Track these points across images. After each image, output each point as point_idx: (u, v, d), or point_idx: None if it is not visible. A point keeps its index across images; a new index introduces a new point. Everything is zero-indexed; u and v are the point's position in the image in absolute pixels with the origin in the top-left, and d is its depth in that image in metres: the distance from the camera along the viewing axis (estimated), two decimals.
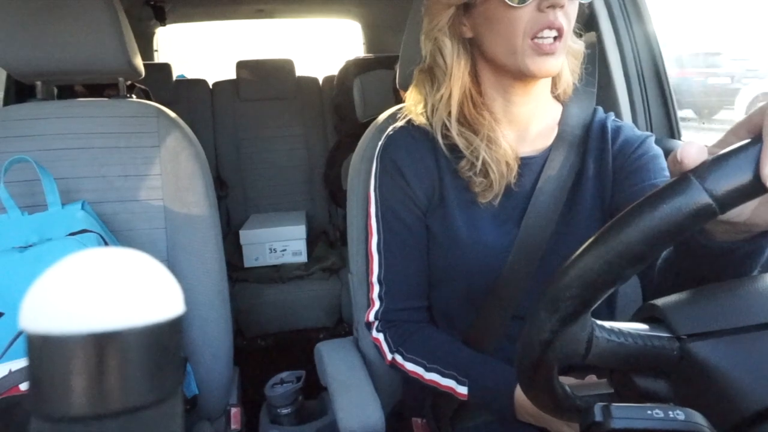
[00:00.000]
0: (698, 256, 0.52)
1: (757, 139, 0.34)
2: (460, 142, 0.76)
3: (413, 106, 0.82)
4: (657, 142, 0.80)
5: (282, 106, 2.40)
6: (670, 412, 0.35)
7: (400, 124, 0.84)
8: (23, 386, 0.74)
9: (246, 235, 2.01)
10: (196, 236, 1.00)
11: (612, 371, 0.46)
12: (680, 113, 1.24)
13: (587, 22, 1.23)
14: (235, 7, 2.60)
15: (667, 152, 0.79)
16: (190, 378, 0.98)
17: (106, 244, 0.89)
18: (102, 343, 0.20)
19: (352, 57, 2.32)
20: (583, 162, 0.79)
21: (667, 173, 0.68)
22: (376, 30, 2.73)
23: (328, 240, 2.28)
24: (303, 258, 2.05)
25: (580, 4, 0.72)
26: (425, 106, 0.80)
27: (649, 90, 1.26)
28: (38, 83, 1.04)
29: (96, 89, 1.38)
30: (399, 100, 0.90)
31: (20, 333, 0.75)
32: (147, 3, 2.33)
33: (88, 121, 1.00)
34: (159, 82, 2.19)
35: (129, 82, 1.08)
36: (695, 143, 0.35)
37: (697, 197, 0.33)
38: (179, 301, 0.22)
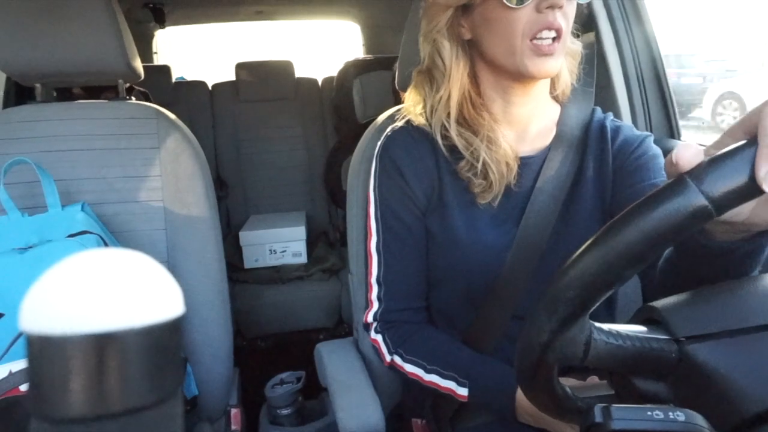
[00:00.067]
0: (698, 256, 0.52)
1: (752, 141, 0.34)
2: (460, 143, 0.76)
3: (412, 107, 0.82)
4: (656, 142, 0.80)
5: (281, 107, 2.41)
6: (671, 414, 0.35)
7: (399, 124, 0.84)
8: (23, 387, 0.74)
9: (246, 237, 2.01)
10: (196, 237, 1.00)
11: (612, 373, 0.46)
12: None
13: (586, 22, 1.23)
14: (234, 9, 2.60)
15: (666, 152, 0.80)
16: (190, 379, 0.98)
17: (106, 245, 0.89)
18: (102, 344, 0.20)
19: (351, 58, 2.33)
20: (583, 162, 0.79)
21: None
22: (376, 31, 2.73)
23: (328, 241, 2.28)
24: (303, 259, 2.05)
25: (579, 5, 0.72)
26: (424, 107, 0.80)
27: (649, 90, 1.26)
28: (38, 85, 1.04)
29: (94, 91, 1.38)
30: (398, 100, 0.90)
31: (20, 334, 0.75)
32: (146, 5, 2.33)
33: (87, 123, 1.00)
34: (158, 84, 2.19)
35: (128, 85, 1.08)
36: (691, 145, 0.35)
37: (693, 199, 0.33)
38: (179, 302, 0.22)
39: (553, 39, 0.69)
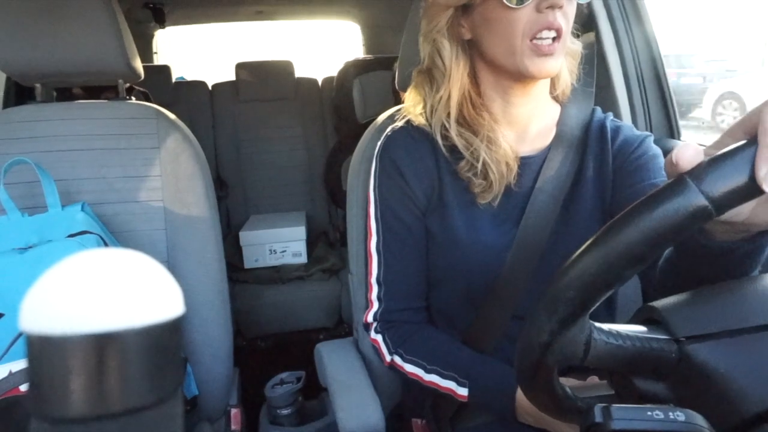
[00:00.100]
0: (699, 255, 0.52)
1: (752, 141, 0.34)
2: (460, 143, 0.76)
3: (412, 107, 0.82)
4: (656, 142, 0.80)
5: (281, 107, 2.41)
6: (671, 414, 0.35)
7: (399, 124, 0.84)
8: (23, 387, 0.74)
9: (246, 237, 2.01)
10: (196, 237, 1.00)
11: (612, 373, 0.46)
12: None
13: (586, 22, 1.23)
14: (234, 9, 2.60)
15: (666, 152, 0.80)
16: (190, 379, 0.98)
17: (106, 245, 0.89)
18: (102, 344, 0.20)
19: (351, 58, 2.33)
20: (583, 162, 0.79)
21: None
22: (376, 31, 2.73)
23: (328, 241, 2.28)
24: (303, 259, 2.05)
25: (579, 5, 0.72)
26: (424, 107, 0.80)
27: (649, 90, 1.26)
28: (38, 85, 1.04)
29: (94, 91, 1.38)
30: (398, 100, 0.90)
31: (20, 334, 0.75)
32: (146, 5, 2.33)
33: (87, 123, 1.00)
34: (158, 84, 2.19)
35: (128, 85, 1.08)
36: (691, 145, 0.35)
37: (693, 199, 0.33)
38: (179, 302, 0.22)
39: (553, 39, 0.69)
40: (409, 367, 0.80)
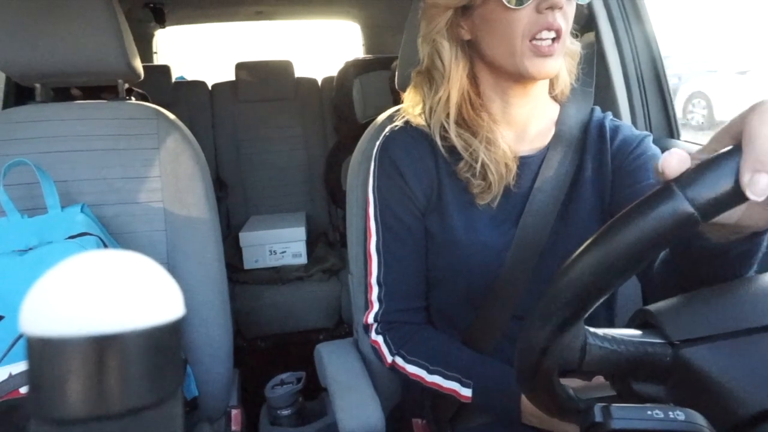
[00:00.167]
0: (693, 256, 0.52)
1: (737, 147, 0.34)
2: (459, 144, 0.76)
3: (411, 107, 0.82)
4: (655, 141, 0.80)
5: (281, 107, 2.41)
6: (670, 413, 0.35)
7: (398, 124, 0.84)
8: (23, 390, 0.74)
9: (246, 237, 2.01)
10: (196, 238, 1.00)
11: (612, 375, 0.46)
12: None
13: (586, 22, 1.23)
14: (234, 9, 2.60)
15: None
16: (190, 379, 0.98)
17: (105, 247, 0.89)
18: (102, 345, 0.20)
19: (351, 58, 2.33)
20: (582, 162, 0.79)
21: None
22: (376, 31, 2.73)
23: (328, 241, 2.28)
24: (303, 259, 2.05)
25: (578, 5, 0.72)
26: (423, 107, 0.80)
27: (648, 91, 1.26)
28: (38, 86, 1.04)
29: (92, 92, 1.38)
30: (397, 100, 0.90)
31: (20, 336, 0.75)
32: (146, 5, 2.33)
33: (87, 124, 1.00)
34: (158, 84, 2.20)
35: (127, 86, 1.08)
36: (677, 152, 0.36)
37: (680, 207, 0.34)
38: (179, 303, 0.22)
39: (553, 40, 0.69)
40: (411, 368, 0.80)
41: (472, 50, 0.77)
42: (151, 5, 2.34)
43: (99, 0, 0.96)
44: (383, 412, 0.84)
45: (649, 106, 1.26)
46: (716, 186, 0.33)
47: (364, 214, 0.88)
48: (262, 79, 2.38)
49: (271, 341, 1.99)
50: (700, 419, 0.35)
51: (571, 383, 0.45)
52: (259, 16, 2.68)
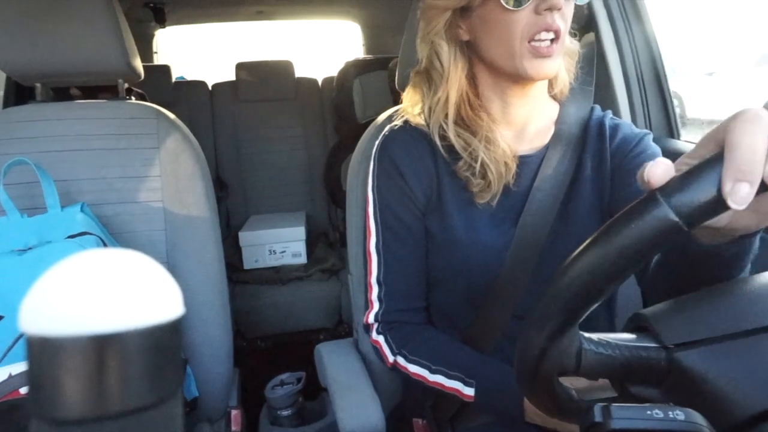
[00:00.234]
0: (686, 259, 0.52)
1: (720, 156, 0.34)
2: (458, 144, 0.76)
3: (410, 107, 0.82)
4: (655, 140, 0.80)
5: (281, 107, 2.41)
6: (670, 413, 0.35)
7: (398, 123, 0.84)
8: (23, 390, 0.74)
9: (245, 237, 2.01)
10: (195, 238, 1.00)
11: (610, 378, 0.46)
12: None
13: (586, 22, 1.23)
14: (234, 9, 2.60)
15: (666, 151, 0.80)
16: (190, 380, 0.98)
17: (105, 246, 0.89)
18: (102, 345, 0.20)
19: (351, 58, 2.33)
20: (581, 160, 0.79)
21: None
22: (376, 31, 2.73)
23: (328, 241, 2.28)
24: (303, 259, 2.05)
25: (577, 5, 0.72)
26: (422, 108, 0.80)
27: (648, 90, 1.26)
28: (38, 85, 1.04)
29: (91, 92, 1.38)
30: (397, 100, 0.90)
31: (20, 336, 0.75)
32: (146, 5, 2.33)
33: (87, 123, 1.00)
34: (158, 84, 2.20)
35: (126, 86, 1.08)
36: (662, 161, 0.36)
37: (664, 216, 0.34)
38: (179, 302, 0.22)
39: (552, 41, 0.69)
40: (413, 368, 0.79)
41: (470, 51, 0.77)
42: (151, 5, 2.34)
43: (99, 0, 0.96)
44: (383, 412, 0.84)
45: (649, 106, 1.26)
46: (699, 195, 0.34)
47: (363, 213, 0.88)
48: (262, 79, 2.38)
49: (271, 341, 1.99)
50: (699, 419, 0.35)
51: (575, 383, 0.45)
52: (259, 16, 2.68)
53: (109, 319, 0.20)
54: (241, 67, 2.39)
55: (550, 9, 0.67)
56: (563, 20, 0.69)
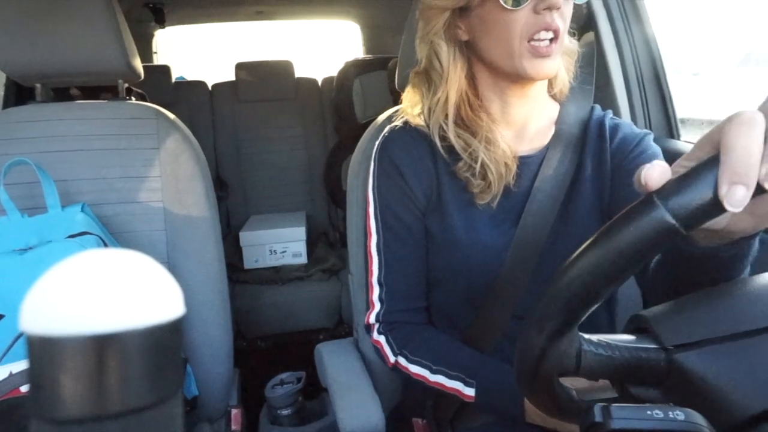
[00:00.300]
0: (684, 261, 0.52)
1: (716, 158, 0.34)
2: (458, 144, 0.76)
3: (410, 108, 0.82)
4: (656, 140, 0.80)
5: (281, 107, 2.41)
6: (670, 413, 0.35)
7: (398, 124, 0.84)
8: (24, 389, 0.74)
9: (246, 237, 2.01)
10: (196, 238, 1.00)
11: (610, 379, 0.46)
12: None
13: (586, 22, 1.23)
14: (234, 9, 2.60)
15: (666, 151, 0.79)
16: (190, 379, 0.98)
17: (105, 246, 0.89)
18: (102, 344, 0.20)
19: (351, 58, 2.33)
20: (581, 161, 0.79)
21: None
22: (376, 31, 2.73)
23: (328, 241, 2.28)
24: (303, 259, 2.05)
25: (576, 5, 0.72)
26: (422, 108, 0.80)
27: (648, 90, 1.26)
28: (38, 86, 1.04)
29: (91, 92, 1.38)
30: (397, 100, 0.90)
31: (20, 335, 0.75)
32: (146, 5, 2.33)
33: (87, 123, 1.00)
34: (158, 84, 2.20)
35: (126, 86, 1.08)
36: (658, 164, 0.36)
37: (661, 219, 0.34)
38: (179, 302, 0.22)
39: (551, 40, 0.69)
40: (414, 368, 0.79)
41: (470, 51, 0.77)
42: (151, 5, 2.34)
43: (99, 0, 0.96)
44: (383, 412, 0.84)
45: (649, 106, 1.26)
46: (696, 198, 0.34)
47: (364, 213, 0.88)
48: (262, 79, 2.38)
49: (271, 341, 1.99)
50: (699, 419, 0.35)
51: (575, 384, 0.45)
52: (259, 16, 2.68)
53: (109, 318, 0.20)
54: (240, 67, 2.39)
55: (549, 8, 0.67)
56: (562, 20, 0.69)
